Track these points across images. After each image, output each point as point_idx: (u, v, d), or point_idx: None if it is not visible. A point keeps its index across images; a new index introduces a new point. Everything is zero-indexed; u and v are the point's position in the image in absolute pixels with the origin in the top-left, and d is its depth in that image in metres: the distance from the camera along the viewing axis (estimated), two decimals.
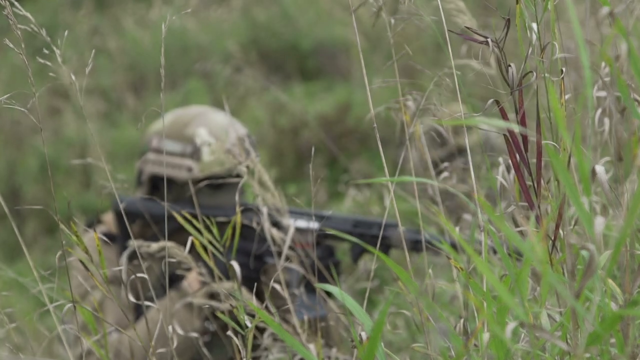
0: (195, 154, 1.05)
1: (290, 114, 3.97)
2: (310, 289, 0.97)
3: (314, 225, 1.02)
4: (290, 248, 0.96)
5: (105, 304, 1.04)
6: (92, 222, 1.12)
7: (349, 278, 2.38)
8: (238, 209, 0.95)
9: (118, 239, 1.07)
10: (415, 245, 0.93)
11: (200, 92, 4.19)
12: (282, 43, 4.94)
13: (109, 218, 1.12)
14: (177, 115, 1.10)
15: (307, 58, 4.87)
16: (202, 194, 1.06)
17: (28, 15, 0.98)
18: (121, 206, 1.06)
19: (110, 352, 1.01)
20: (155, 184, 1.08)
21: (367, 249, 0.97)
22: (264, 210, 0.91)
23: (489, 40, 0.58)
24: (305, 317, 0.93)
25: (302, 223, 1.02)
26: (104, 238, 1.07)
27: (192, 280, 1.04)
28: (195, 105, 1.17)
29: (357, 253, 0.99)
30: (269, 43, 4.96)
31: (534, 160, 0.67)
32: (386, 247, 0.95)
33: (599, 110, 0.72)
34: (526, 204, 0.68)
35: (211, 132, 1.06)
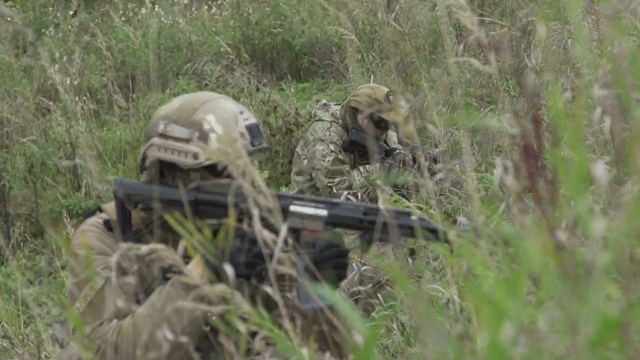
0: (202, 140, 1.03)
1: (284, 114, 3.95)
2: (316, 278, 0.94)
3: (323, 212, 0.97)
4: (296, 236, 0.93)
5: (105, 292, 1.01)
6: (92, 211, 1.09)
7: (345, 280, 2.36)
8: (232, 212, 0.93)
9: (118, 223, 1.05)
10: (427, 234, 0.90)
11: (191, 91, 4.16)
12: (275, 41, 4.93)
13: (110, 207, 1.10)
14: (186, 101, 1.07)
15: (301, 57, 4.86)
16: (206, 180, 1.04)
17: (14, 11, 0.95)
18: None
19: (112, 337, 0.97)
20: (159, 169, 1.05)
21: (378, 238, 0.94)
22: (256, 212, 0.89)
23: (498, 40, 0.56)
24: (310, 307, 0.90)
25: (309, 210, 0.98)
26: (99, 227, 1.05)
27: (194, 265, 1.01)
28: (205, 92, 1.11)
29: (368, 241, 0.96)
30: (261, 41, 4.95)
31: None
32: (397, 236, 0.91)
33: (599, 110, 0.71)
34: (524, 205, 0.66)
35: (220, 120, 1.03)
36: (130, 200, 1.05)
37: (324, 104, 2.53)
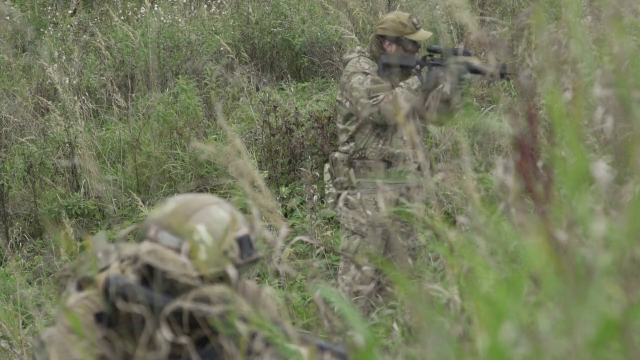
0: (191, 251, 1.02)
1: (283, 113, 3.94)
2: None
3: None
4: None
5: None
6: (85, 281, 1.08)
7: (343, 280, 2.35)
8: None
9: (104, 317, 1.04)
10: None
11: (190, 91, 4.15)
12: (275, 41, 4.92)
13: (101, 280, 1.07)
14: (180, 205, 1.06)
15: (301, 56, 4.85)
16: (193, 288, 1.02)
17: (13, 10, 0.95)
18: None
19: None
20: (149, 272, 1.04)
21: None
22: (255, 211, 0.89)
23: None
24: None
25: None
26: (90, 314, 1.03)
27: None
28: (202, 196, 1.09)
29: None
30: (261, 41, 4.94)
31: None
32: None
33: (601, 110, 0.70)
34: (525, 205, 0.66)
35: (210, 230, 1.03)
36: (120, 297, 1.03)
37: (350, 50, 2.52)
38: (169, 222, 1.04)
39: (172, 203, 1.07)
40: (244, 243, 1.04)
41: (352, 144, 2.44)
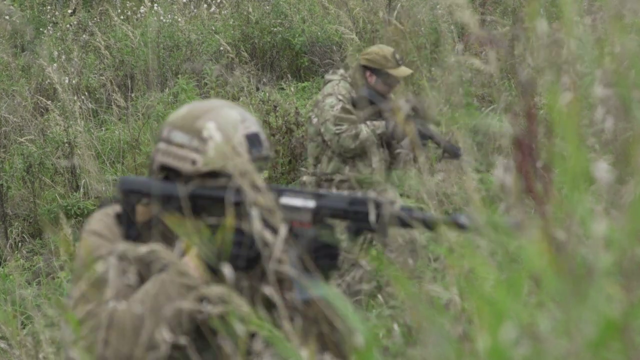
0: (201, 147, 1.05)
1: (284, 113, 3.95)
2: (307, 270, 0.96)
3: (311, 204, 1.00)
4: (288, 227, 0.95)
5: (108, 275, 1.04)
6: (108, 201, 1.14)
7: (344, 281, 2.36)
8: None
9: (122, 217, 1.08)
10: (412, 223, 0.92)
11: (190, 90, 4.15)
12: (275, 40, 4.92)
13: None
14: (193, 107, 1.11)
15: (301, 56, 4.86)
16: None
17: (12, 9, 0.95)
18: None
19: (105, 321, 1.02)
20: (165, 174, 1.09)
21: (364, 227, 0.97)
22: (255, 212, 0.90)
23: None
24: (305, 298, 0.92)
25: (298, 202, 1.00)
26: (110, 217, 1.08)
27: (190, 257, 1.03)
28: (215, 99, 1.16)
29: (354, 231, 0.98)
30: (261, 40, 4.94)
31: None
32: (383, 225, 0.93)
33: (601, 110, 0.70)
34: (525, 205, 0.66)
35: (219, 127, 1.06)
36: (132, 195, 1.07)
37: (332, 71, 2.56)
38: (181, 122, 1.08)
39: (186, 107, 1.12)
40: (254, 140, 1.07)
41: (319, 166, 2.50)
